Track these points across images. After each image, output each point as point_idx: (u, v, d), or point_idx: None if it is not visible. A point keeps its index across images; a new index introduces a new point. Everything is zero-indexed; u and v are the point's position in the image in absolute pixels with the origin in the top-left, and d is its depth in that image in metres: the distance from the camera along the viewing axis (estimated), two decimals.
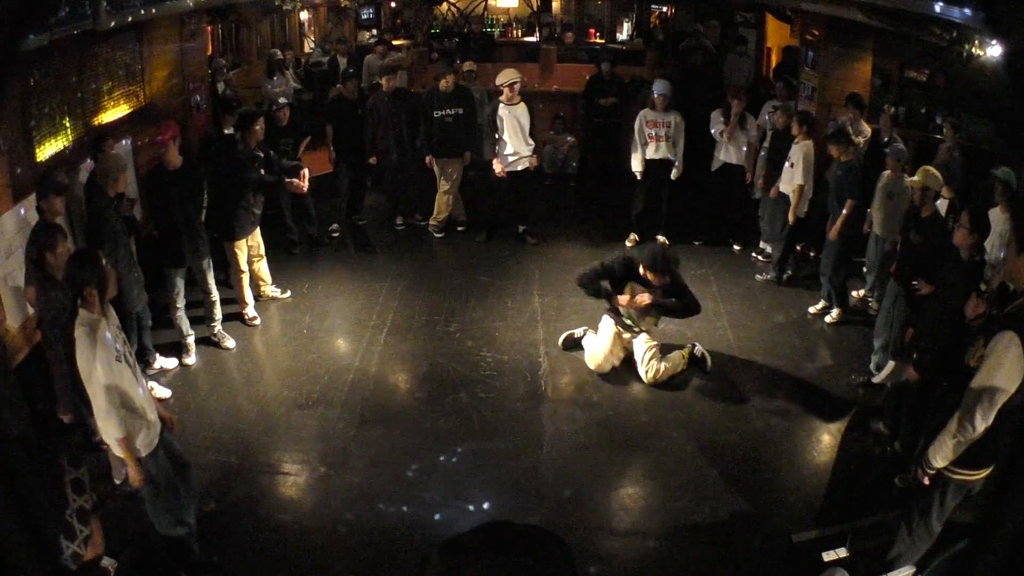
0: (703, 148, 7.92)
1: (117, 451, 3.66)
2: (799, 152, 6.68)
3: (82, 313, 3.56)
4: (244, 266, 6.29)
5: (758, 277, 7.35)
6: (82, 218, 5.55)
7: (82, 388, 3.88)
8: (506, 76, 7.65)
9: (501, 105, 7.59)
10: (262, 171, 6.17)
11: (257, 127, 6.18)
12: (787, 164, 6.89)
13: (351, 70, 9.05)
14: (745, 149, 7.70)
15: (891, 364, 4.98)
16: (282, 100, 7.49)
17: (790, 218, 6.84)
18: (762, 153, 7.45)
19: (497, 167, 7.69)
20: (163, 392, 5.42)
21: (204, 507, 4.29)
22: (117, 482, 4.47)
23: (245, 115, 6.37)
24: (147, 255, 5.88)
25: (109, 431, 3.55)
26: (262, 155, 6.20)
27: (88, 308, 3.56)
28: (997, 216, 5.08)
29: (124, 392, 3.57)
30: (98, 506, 1.80)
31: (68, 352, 4.14)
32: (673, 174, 7.70)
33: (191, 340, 5.88)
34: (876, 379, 5.27)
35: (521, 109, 7.61)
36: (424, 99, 7.91)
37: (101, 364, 3.48)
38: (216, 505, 4.43)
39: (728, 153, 7.76)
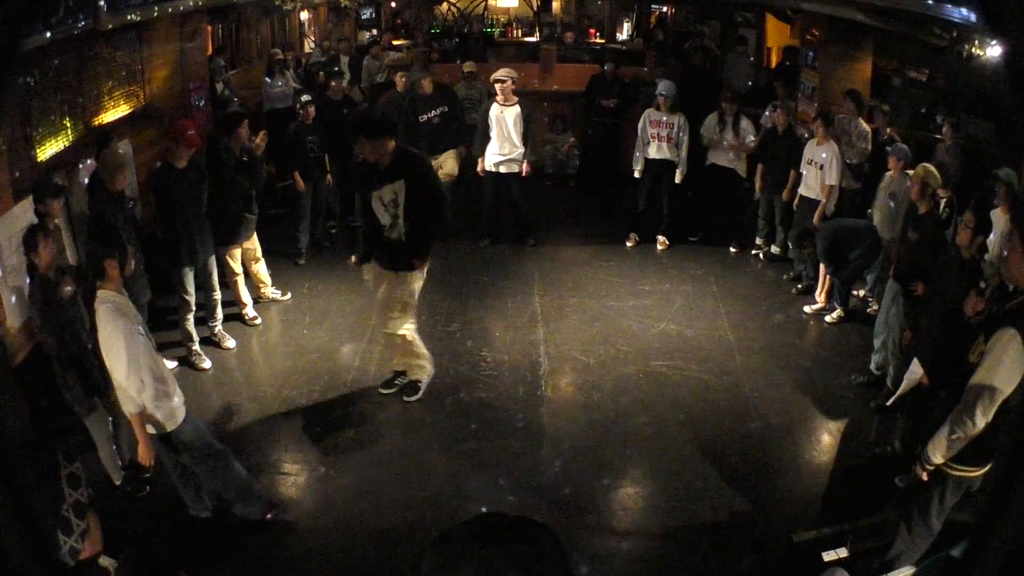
0: (701, 148, 7.92)
1: (153, 424, 3.73)
2: (829, 153, 6.66)
3: (101, 293, 3.62)
4: (239, 268, 6.28)
5: (829, 319, 6.60)
6: (83, 216, 5.55)
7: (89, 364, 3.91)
8: (496, 73, 7.59)
9: (494, 104, 7.55)
10: (250, 175, 6.11)
11: (242, 130, 6.06)
12: (807, 165, 6.86)
13: (336, 68, 9.02)
14: (736, 152, 7.70)
15: (905, 381, 4.97)
16: (305, 98, 7.37)
17: (816, 218, 6.73)
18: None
19: (479, 165, 7.69)
20: None
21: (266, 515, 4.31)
22: (117, 483, 4.47)
23: (230, 117, 6.27)
24: (155, 257, 5.88)
25: (127, 404, 3.63)
26: (247, 159, 6.11)
27: (109, 284, 3.63)
28: (998, 216, 5.08)
29: (148, 364, 3.65)
30: (94, 500, 1.81)
31: (60, 332, 4.16)
32: (677, 177, 7.69)
33: (197, 347, 5.82)
34: (889, 403, 5.27)
35: (513, 111, 7.50)
36: (406, 105, 7.80)
37: (124, 337, 3.54)
38: (276, 513, 4.37)
39: (718, 155, 7.77)
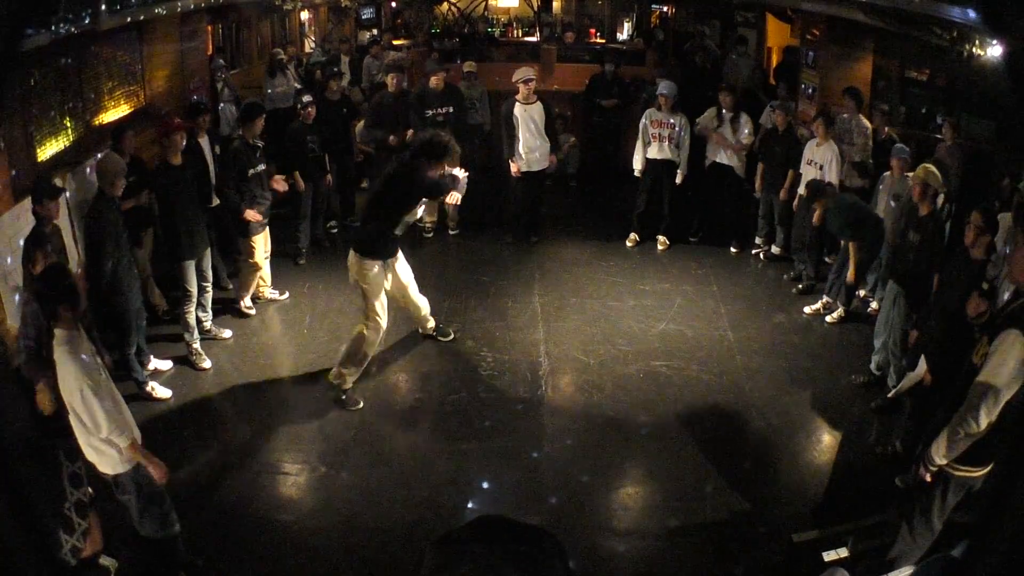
0: (701, 148, 7.92)
1: (128, 458, 3.53)
2: (829, 153, 6.64)
3: (58, 332, 3.43)
4: (259, 261, 6.33)
5: (829, 319, 6.57)
6: (83, 218, 5.56)
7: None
8: (521, 73, 7.63)
9: (516, 104, 7.55)
10: (264, 165, 6.17)
11: (258, 122, 6.15)
12: (806, 165, 6.85)
13: (335, 69, 9.02)
14: (732, 150, 7.68)
15: (908, 376, 4.98)
16: (306, 98, 7.36)
17: (815, 219, 6.66)
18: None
19: (513, 167, 7.68)
20: (163, 392, 5.42)
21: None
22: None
23: (249, 107, 6.35)
24: (160, 254, 5.94)
25: (119, 440, 3.44)
26: (261, 145, 6.19)
27: (64, 325, 3.44)
28: (1006, 219, 5.07)
29: (117, 400, 3.52)
30: (95, 500, 1.81)
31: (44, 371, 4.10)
32: (677, 178, 7.69)
33: (198, 345, 5.83)
34: (891, 395, 5.27)
35: (537, 108, 7.55)
36: (415, 98, 7.84)
37: (87, 378, 3.38)
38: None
39: (718, 152, 7.76)
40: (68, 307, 3.45)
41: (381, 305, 5.34)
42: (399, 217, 5.21)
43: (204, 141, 6.53)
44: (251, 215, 6.07)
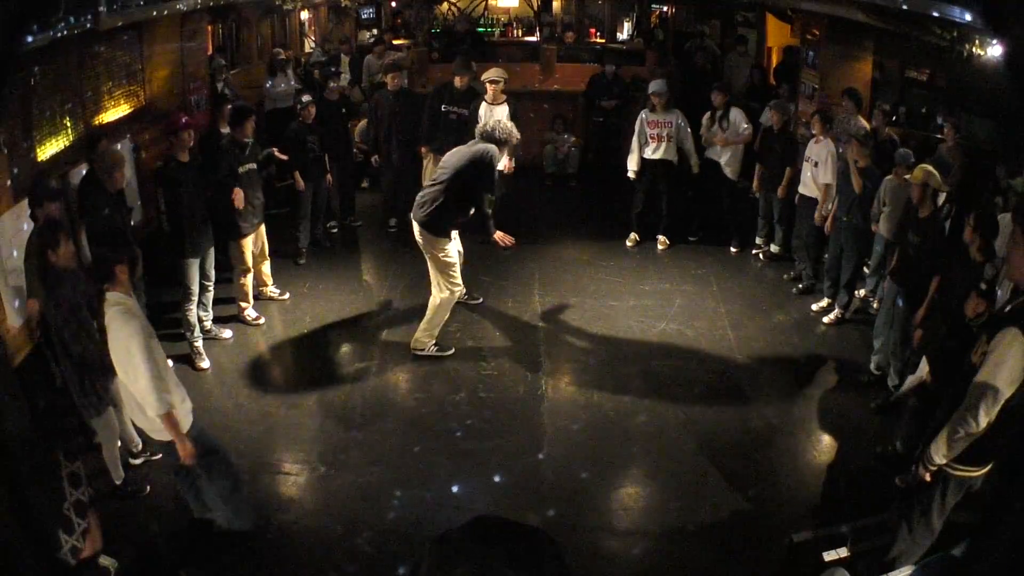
0: (700, 147, 7.93)
1: (160, 430, 3.67)
2: (824, 151, 6.64)
3: (111, 296, 3.55)
4: (250, 263, 6.30)
5: (826, 320, 6.58)
6: (81, 218, 5.56)
7: (97, 375, 3.86)
8: (488, 73, 7.57)
9: (483, 104, 7.51)
10: (255, 163, 6.16)
11: (248, 124, 6.12)
12: (806, 164, 6.85)
13: (333, 68, 9.03)
14: (726, 147, 7.69)
15: (910, 379, 4.97)
16: (305, 98, 7.36)
17: (816, 218, 6.69)
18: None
19: None
20: None
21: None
22: (117, 483, 4.47)
23: (239, 110, 6.34)
24: (163, 250, 5.89)
25: (153, 407, 3.54)
26: (251, 142, 6.16)
27: (118, 288, 3.57)
28: (1008, 221, 5.06)
29: (162, 368, 3.61)
30: (95, 500, 1.82)
31: (86, 350, 4.14)
32: (693, 168, 7.68)
33: (199, 343, 5.83)
34: (894, 397, 5.27)
35: (501, 110, 7.40)
36: (435, 92, 7.84)
37: (138, 340, 3.48)
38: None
39: (713, 150, 7.79)
40: (125, 267, 3.51)
41: (457, 272, 5.89)
42: (484, 199, 5.75)
43: (226, 132, 6.55)
44: (237, 196, 5.92)
